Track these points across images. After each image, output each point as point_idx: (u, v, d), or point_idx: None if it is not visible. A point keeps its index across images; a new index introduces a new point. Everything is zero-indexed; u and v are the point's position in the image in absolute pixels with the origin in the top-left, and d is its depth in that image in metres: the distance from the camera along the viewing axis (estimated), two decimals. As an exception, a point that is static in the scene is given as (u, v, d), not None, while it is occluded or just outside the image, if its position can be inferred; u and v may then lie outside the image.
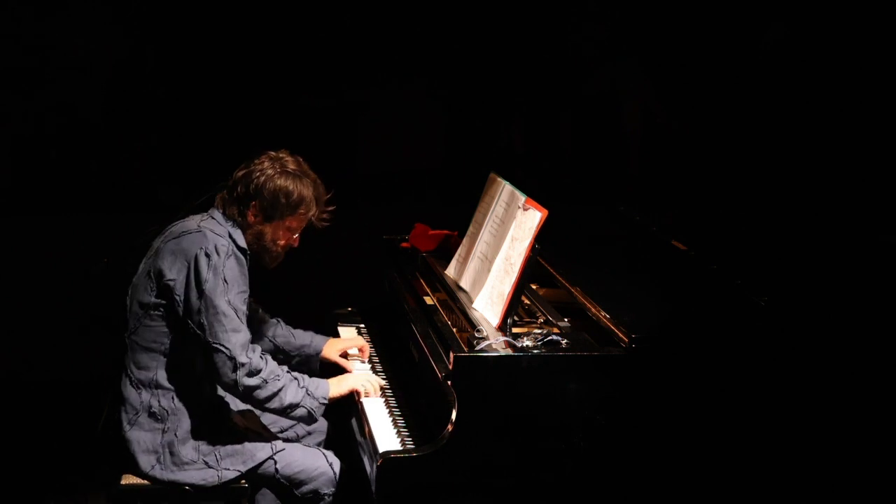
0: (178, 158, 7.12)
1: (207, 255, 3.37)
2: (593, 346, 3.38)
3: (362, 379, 3.69)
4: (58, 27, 6.86)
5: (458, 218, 4.15)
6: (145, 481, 3.51)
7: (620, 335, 3.33)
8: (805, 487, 3.52)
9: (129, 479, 3.53)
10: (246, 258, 3.50)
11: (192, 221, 3.52)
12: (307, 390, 3.47)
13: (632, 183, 7.24)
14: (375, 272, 4.50)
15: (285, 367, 3.50)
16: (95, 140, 7.06)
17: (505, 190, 3.77)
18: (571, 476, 3.32)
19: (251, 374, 3.35)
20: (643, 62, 7.21)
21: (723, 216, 5.01)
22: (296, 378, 3.48)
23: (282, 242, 3.55)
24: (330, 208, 3.59)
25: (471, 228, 3.96)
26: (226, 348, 3.33)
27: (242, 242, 3.49)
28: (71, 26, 6.87)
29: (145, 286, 3.46)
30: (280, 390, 3.41)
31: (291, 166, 3.50)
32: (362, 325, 4.35)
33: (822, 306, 3.68)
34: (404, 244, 4.39)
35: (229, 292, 3.36)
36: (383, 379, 3.88)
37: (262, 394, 3.39)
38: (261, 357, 3.41)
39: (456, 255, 4.02)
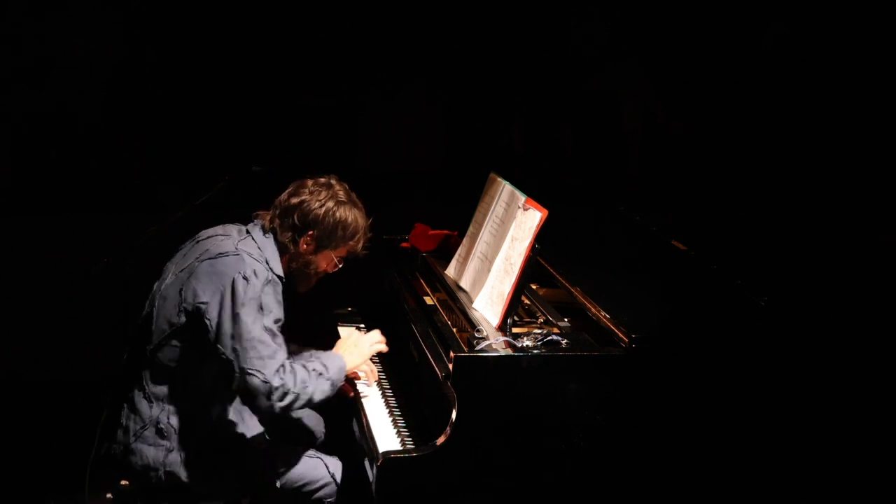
0: (178, 158, 7.12)
1: (245, 279, 3.31)
2: (593, 346, 3.38)
3: (366, 356, 3.65)
4: (58, 27, 6.85)
5: (458, 218, 4.15)
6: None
7: (620, 335, 3.33)
8: (805, 487, 3.52)
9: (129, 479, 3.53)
10: (281, 283, 3.47)
11: (230, 241, 3.44)
12: (332, 383, 3.39)
13: (632, 183, 7.24)
14: (375, 272, 4.50)
15: (304, 363, 3.40)
16: (95, 140, 7.05)
17: (505, 190, 3.77)
18: (571, 476, 3.32)
19: (283, 396, 3.28)
20: (643, 62, 7.20)
21: (723, 216, 5.01)
22: (319, 373, 3.38)
23: (323, 269, 3.56)
24: (370, 235, 3.59)
25: (471, 228, 3.96)
26: (260, 373, 3.25)
27: (279, 269, 3.46)
28: (71, 26, 6.87)
29: (175, 304, 3.40)
30: (312, 395, 3.35)
31: (343, 195, 3.49)
32: (362, 325, 4.35)
33: (822, 306, 3.68)
34: (404, 244, 4.39)
35: (266, 318, 3.31)
36: (384, 379, 3.89)
37: (296, 405, 3.33)
38: (290, 370, 3.32)
39: (456, 255, 4.02)
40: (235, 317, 3.28)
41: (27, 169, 6.99)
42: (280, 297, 3.45)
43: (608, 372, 3.30)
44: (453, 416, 3.22)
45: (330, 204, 3.44)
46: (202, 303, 3.33)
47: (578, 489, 3.34)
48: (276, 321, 3.37)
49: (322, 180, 3.51)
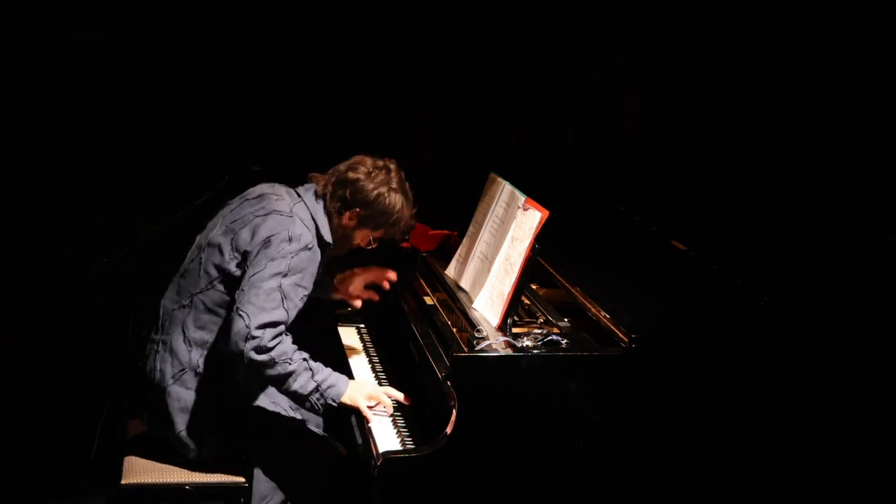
0: (178, 158, 7.13)
1: (290, 239, 3.40)
2: (593, 346, 3.38)
3: (378, 395, 3.54)
4: (58, 27, 6.86)
5: (458, 218, 4.15)
6: (146, 481, 3.52)
7: (620, 335, 3.33)
8: (805, 487, 3.52)
9: (128, 480, 3.53)
10: (324, 251, 3.55)
11: (285, 203, 3.53)
12: (318, 386, 3.41)
13: (632, 183, 7.24)
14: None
15: (305, 355, 3.42)
16: (95, 140, 7.06)
17: (505, 190, 3.77)
18: (571, 476, 3.32)
19: (259, 350, 3.31)
20: (643, 62, 7.20)
21: (723, 216, 5.01)
22: (310, 369, 3.40)
23: (357, 243, 3.64)
24: (412, 223, 3.67)
25: (471, 228, 3.96)
26: (248, 317, 3.30)
27: (328, 235, 3.55)
28: (71, 26, 6.87)
29: (225, 251, 3.48)
30: (288, 375, 3.36)
31: (397, 183, 3.57)
32: (362, 325, 4.35)
33: (823, 306, 3.68)
34: (404, 244, 4.39)
35: (286, 277, 3.37)
36: (384, 379, 3.88)
37: (267, 371, 3.35)
38: (277, 337, 3.34)
39: (456, 255, 4.02)
40: (262, 264, 3.37)
41: (27, 169, 6.99)
42: (315, 267, 3.50)
43: (608, 372, 3.30)
44: (453, 416, 3.22)
45: (383, 189, 3.53)
46: (248, 251, 3.43)
47: (578, 489, 3.34)
48: (298, 286, 3.41)
49: (380, 163, 3.60)
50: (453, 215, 4.26)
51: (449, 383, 3.26)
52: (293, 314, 3.41)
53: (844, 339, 3.52)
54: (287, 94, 7.27)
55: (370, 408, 3.51)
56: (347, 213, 3.55)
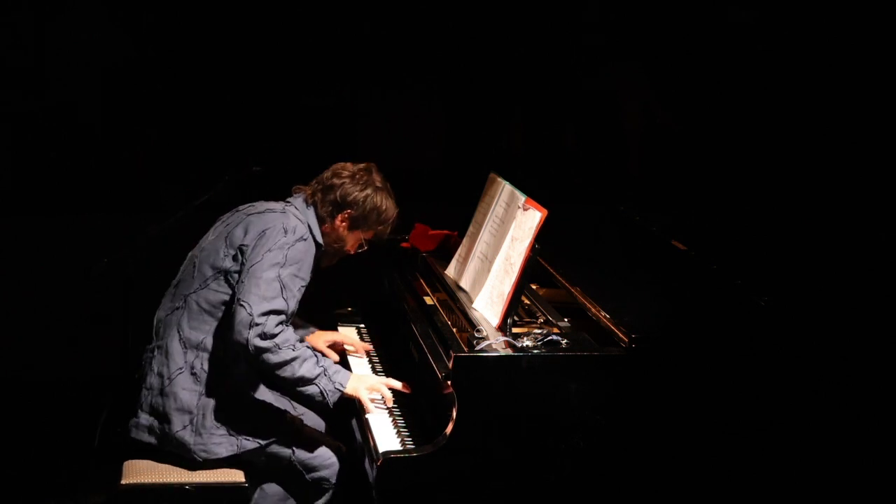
0: (178, 158, 7.12)
1: (284, 231, 3.51)
2: (593, 346, 3.38)
3: (379, 387, 3.61)
4: (58, 27, 6.85)
5: (458, 218, 4.15)
6: (146, 481, 3.52)
7: (620, 335, 3.33)
8: (805, 487, 3.52)
9: (128, 479, 3.54)
10: (318, 251, 3.65)
11: (278, 204, 3.67)
12: (325, 371, 3.49)
13: (632, 183, 7.24)
14: (375, 272, 4.50)
15: (307, 344, 3.54)
16: (95, 140, 7.05)
17: (505, 190, 3.77)
18: (571, 476, 3.32)
19: (264, 336, 3.37)
20: (643, 62, 7.21)
21: (723, 216, 5.01)
22: (315, 355, 3.50)
23: (349, 248, 3.74)
24: (396, 223, 3.78)
25: (471, 228, 3.96)
26: (249, 306, 3.37)
27: (319, 237, 3.65)
28: (71, 26, 6.87)
29: (221, 251, 3.57)
30: (293, 360, 3.42)
31: (380, 183, 3.71)
32: (362, 325, 4.35)
33: (823, 306, 3.68)
34: (404, 244, 4.39)
35: (284, 268, 3.45)
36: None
37: (272, 358, 3.40)
38: (281, 325, 3.41)
39: (456, 255, 4.02)
40: (259, 256, 3.46)
41: (27, 169, 6.98)
42: (311, 259, 3.59)
43: (608, 372, 3.30)
44: (453, 415, 3.22)
45: (369, 190, 3.67)
46: (244, 245, 3.53)
47: (578, 489, 3.34)
48: (297, 277, 3.50)
49: (362, 166, 3.73)
50: (453, 215, 4.26)
51: (449, 383, 3.26)
52: (293, 305, 3.47)
53: (844, 339, 3.52)
54: (287, 95, 7.26)
55: (371, 400, 3.55)
56: (339, 215, 3.66)
